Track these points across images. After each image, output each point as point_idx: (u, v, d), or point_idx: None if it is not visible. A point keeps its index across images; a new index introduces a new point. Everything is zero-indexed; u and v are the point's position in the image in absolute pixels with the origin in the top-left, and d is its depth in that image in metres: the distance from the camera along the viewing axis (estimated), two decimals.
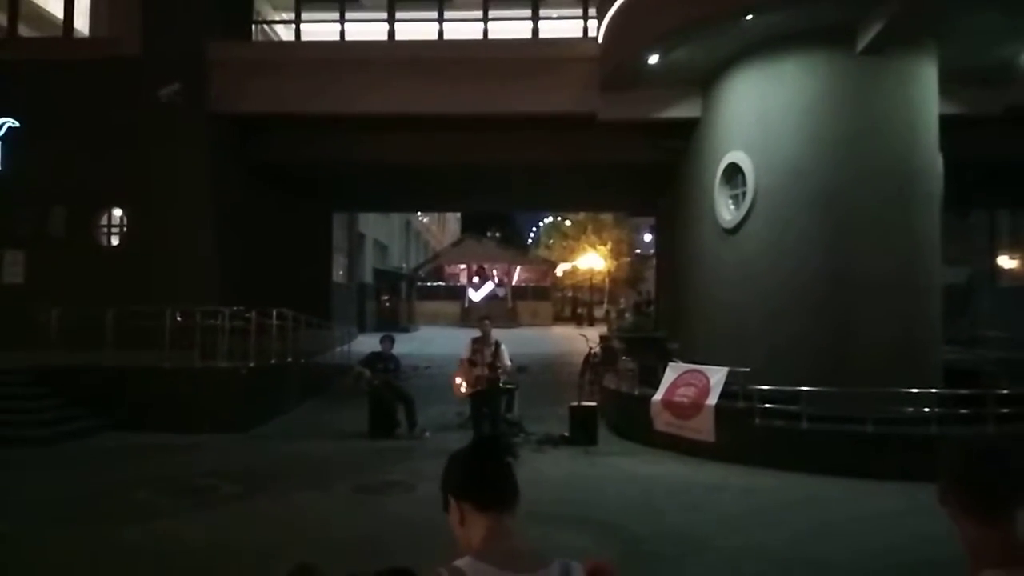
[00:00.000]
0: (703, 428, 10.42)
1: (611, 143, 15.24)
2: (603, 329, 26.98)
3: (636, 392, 12.15)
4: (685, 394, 10.89)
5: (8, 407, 11.47)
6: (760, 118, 11.83)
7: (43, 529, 6.91)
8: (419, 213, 46.24)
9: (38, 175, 14.43)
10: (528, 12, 15.81)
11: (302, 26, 16.81)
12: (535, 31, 15.82)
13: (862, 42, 10.72)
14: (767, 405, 10.01)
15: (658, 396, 11.23)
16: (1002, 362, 12.98)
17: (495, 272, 45.99)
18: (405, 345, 16.94)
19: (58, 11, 15.47)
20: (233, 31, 15.77)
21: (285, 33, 18.03)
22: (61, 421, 11.55)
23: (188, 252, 14.40)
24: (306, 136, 15.82)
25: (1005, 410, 9.43)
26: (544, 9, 16.04)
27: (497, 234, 60.21)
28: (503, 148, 15.89)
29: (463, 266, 46.12)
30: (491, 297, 43.95)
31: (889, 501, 8.08)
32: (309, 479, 9.11)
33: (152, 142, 14.38)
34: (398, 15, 16.08)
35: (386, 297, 34.77)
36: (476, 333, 10.97)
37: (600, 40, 14.03)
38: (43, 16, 16.43)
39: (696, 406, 10.58)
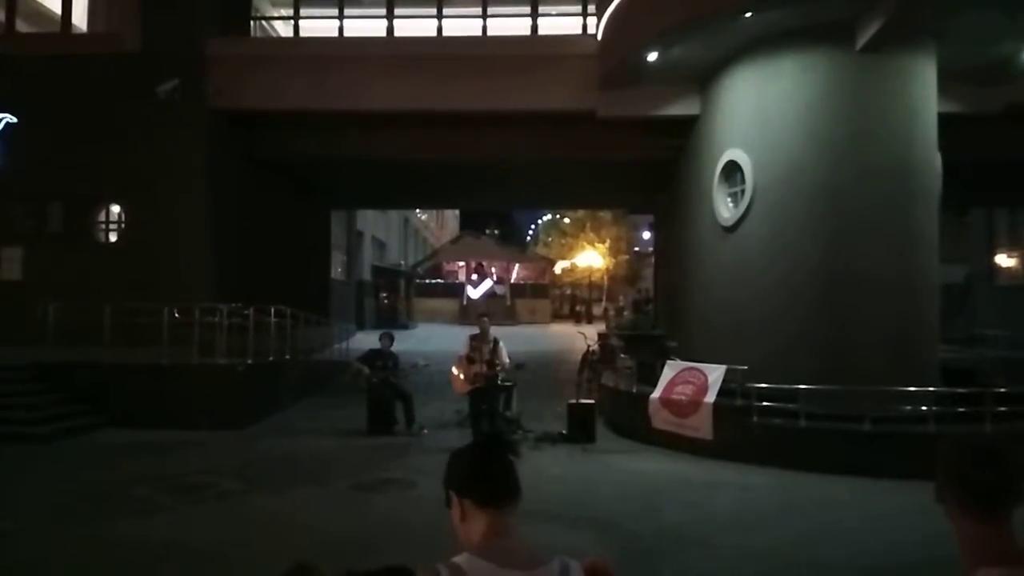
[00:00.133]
0: (701, 426, 10.43)
1: (610, 140, 15.24)
2: (602, 327, 27.00)
3: (634, 390, 12.16)
4: (683, 392, 10.90)
5: (6, 404, 11.45)
6: (759, 116, 11.83)
7: (42, 526, 6.91)
8: (418, 210, 46.20)
9: (36, 171, 14.40)
10: (527, 9, 15.81)
11: (301, 22, 16.81)
12: (534, 28, 15.82)
13: (861, 40, 10.71)
14: (765, 403, 10.03)
15: (656, 394, 11.24)
16: (1000, 361, 13.01)
17: (494, 270, 46.00)
18: (403, 342, 16.94)
19: (56, 7, 15.43)
20: (232, 27, 15.75)
21: (284, 29, 18.02)
22: (59, 418, 11.54)
23: (186, 249, 14.38)
24: (305, 132, 15.81)
25: (1002, 409, 9.44)
26: (543, 6, 16.04)
27: (496, 231, 60.30)
28: (502, 145, 15.89)
29: (462, 263, 46.12)
30: (490, 295, 43.95)
31: (886, 499, 8.10)
32: (307, 476, 9.11)
33: (150, 138, 14.36)
34: (397, 11, 16.08)
35: (384, 294, 34.76)
36: (475, 330, 10.97)
37: (599, 37, 14.02)
38: (41, 12, 16.39)
39: (694, 404, 10.59)
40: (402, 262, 41.03)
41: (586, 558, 2.05)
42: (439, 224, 57.50)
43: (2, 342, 12.57)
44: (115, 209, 14.93)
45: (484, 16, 15.80)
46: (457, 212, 60.81)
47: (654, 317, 20.88)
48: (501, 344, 10.74)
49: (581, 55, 14.26)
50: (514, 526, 1.81)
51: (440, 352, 15.84)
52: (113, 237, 14.93)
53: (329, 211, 23.80)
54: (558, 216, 52.52)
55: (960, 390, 9.92)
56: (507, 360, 10.77)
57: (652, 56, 12.57)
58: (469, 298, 42.89)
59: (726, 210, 12.46)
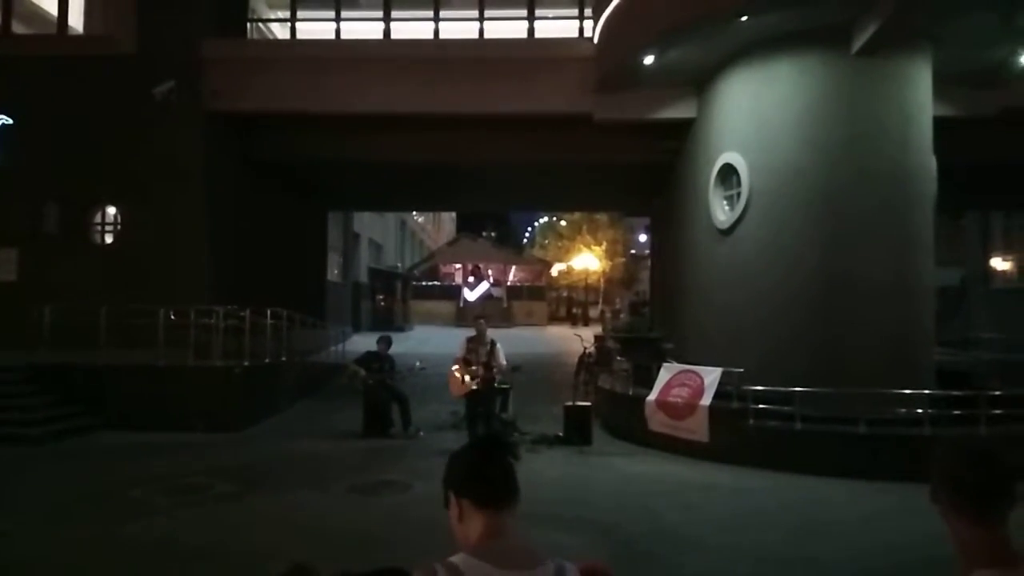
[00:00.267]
0: (697, 429, 10.44)
1: (606, 143, 15.25)
2: (598, 329, 27.01)
3: (630, 392, 12.17)
4: (679, 395, 10.91)
5: (1, 405, 11.41)
6: (755, 119, 11.86)
7: (38, 528, 6.89)
8: (414, 212, 46.19)
9: (32, 172, 14.40)
10: (524, 12, 15.82)
11: (298, 24, 16.80)
12: (531, 31, 15.84)
13: (857, 43, 10.75)
14: (761, 406, 10.04)
15: (652, 396, 11.25)
16: (995, 363, 13.06)
17: (490, 272, 46.01)
18: (400, 344, 16.93)
19: (52, 8, 15.41)
20: (229, 29, 15.75)
21: (281, 31, 18.02)
22: (54, 420, 11.51)
23: (182, 250, 14.37)
24: (301, 135, 15.80)
25: (997, 411, 9.47)
26: (540, 9, 16.06)
27: (492, 234, 60.30)
28: (499, 148, 15.90)
29: (458, 266, 46.15)
30: (486, 297, 43.93)
31: (882, 501, 8.11)
32: (303, 478, 9.09)
33: (146, 140, 14.35)
34: (394, 14, 16.08)
35: (381, 296, 34.73)
36: (471, 332, 10.96)
37: (596, 40, 14.05)
38: (37, 13, 16.36)
39: (690, 407, 10.60)
40: (399, 264, 41.01)
41: (584, 561, 2.05)
42: (436, 226, 57.48)
43: None
44: (111, 210, 14.91)
45: (481, 19, 15.82)
46: (454, 214, 60.78)
47: (650, 319, 20.91)
48: (498, 346, 10.72)
49: (578, 58, 14.29)
50: (512, 527, 1.82)
51: (436, 354, 15.85)
52: (109, 238, 14.90)
53: (326, 213, 23.78)
54: (555, 218, 52.59)
55: (955, 393, 9.94)
56: (504, 362, 10.75)
57: (648, 59, 12.60)
58: (466, 300, 42.87)
59: (722, 213, 12.48)
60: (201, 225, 14.52)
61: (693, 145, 13.99)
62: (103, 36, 14.82)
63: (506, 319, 38.33)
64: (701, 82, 13.31)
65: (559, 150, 15.78)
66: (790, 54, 11.40)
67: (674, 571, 6.14)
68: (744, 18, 11.04)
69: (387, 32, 16.00)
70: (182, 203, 14.47)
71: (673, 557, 6.40)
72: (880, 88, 10.99)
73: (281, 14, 17.67)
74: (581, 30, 15.49)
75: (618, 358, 14.84)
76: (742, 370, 10.44)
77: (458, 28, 16.17)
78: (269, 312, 13.72)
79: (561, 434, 11.40)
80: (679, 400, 10.84)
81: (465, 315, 36.98)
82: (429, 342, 25.81)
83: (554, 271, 50.70)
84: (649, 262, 28.72)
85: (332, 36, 16.14)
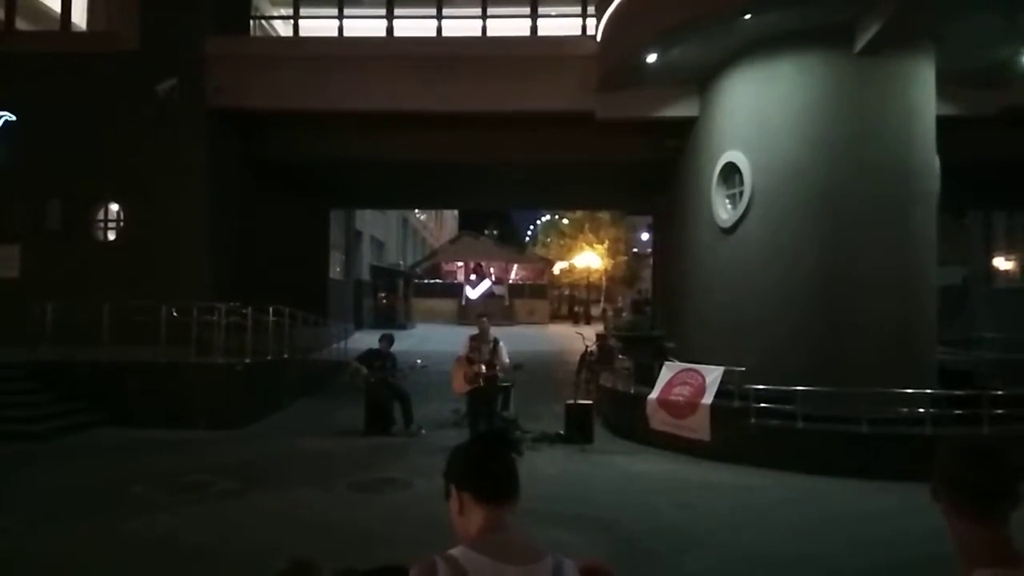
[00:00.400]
0: (699, 427, 10.44)
1: (609, 141, 15.25)
2: (600, 328, 27.01)
3: (632, 391, 12.17)
4: (681, 393, 10.91)
5: (3, 402, 11.43)
6: (757, 118, 11.85)
7: (40, 524, 6.90)
8: (416, 210, 46.20)
9: (35, 169, 14.41)
10: (527, 10, 15.82)
11: (300, 22, 16.81)
12: (534, 29, 15.82)
13: (860, 42, 10.73)
14: (762, 404, 10.03)
15: (654, 395, 11.25)
16: (997, 363, 13.04)
17: (492, 270, 46.02)
18: (402, 342, 16.93)
19: (55, 5, 15.43)
20: (231, 26, 15.75)
21: (283, 29, 18.02)
22: (56, 416, 11.53)
23: (185, 247, 14.38)
24: (304, 132, 15.81)
25: (999, 411, 9.46)
26: (543, 7, 16.04)
27: (495, 232, 60.31)
28: (501, 146, 15.90)
29: (460, 264, 46.16)
30: (488, 295, 43.95)
31: (883, 500, 8.11)
32: (305, 476, 9.10)
33: (149, 137, 14.36)
34: (396, 12, 16.08)
35: (383, 294, 34.74)
36: (474, 330, 10.97)
37: (598, 38, 14.04)
38: (41, 10, 16.38)
39: (692, 405, 10.60)
40: (401, 262, 41.03)
41: (585, 558, 2.05)
42: (438, 224, 57.51)
43: (0, 340, 12.55)
44: (113, 207, 14.92)
45: (484, 17, 15.81)
46: (456, 212, 60.82)
47: (652, 318, 20.91)
48: (501, 344, 10.73)
49: (580, 56, 14.28)
50: (512, 522, 1.83)
51: (438, 352, 15.84)
52: (112, 235, 14.92)
53: (328, 211, 23.78)
54: (557, 217, 52.57)
55: (957, 392, 9.94)
56: (507, 360, 10.76)
57: (651, 57, 12.59)
58: (468, 298, 42.89)
59: (724, 211, 12.47)
60: (203, 222, 14.53)
61: (695, 143, 13.98)
62: (106, 33, 14.84)
63: (508, 317, 38.35)
64: (703, 80, 13.30)
65: (561, 148, 15.77)
66: (793, 53, 11.39)
67: (675, 569, 6.15)
68: (747, 17, 11.02)
69: (390, 30, 16.00)
70: (184, 200, 14.48)
71: (674, 555, 6.41)
72: (883, 87, 10.97)
73: (284, 11, 17.67)
74: (584, 28, 15.48)
75: (620, 356, 14.84)
76: (744, 369, 10.44)
77: (461, 26, 16.17)
78: (271, 309, 13.72)
79: (562, 432, 11.40)
80: (681, 399, 10.84)
81: (467, 313, 37.01)
82: (431, 340, 25.82)
83: (556, 269, 50.70)
84: (651, 260, 28.72)
85: (335, 34, 16.15)
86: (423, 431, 11.90)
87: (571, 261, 48.70)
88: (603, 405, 12.91)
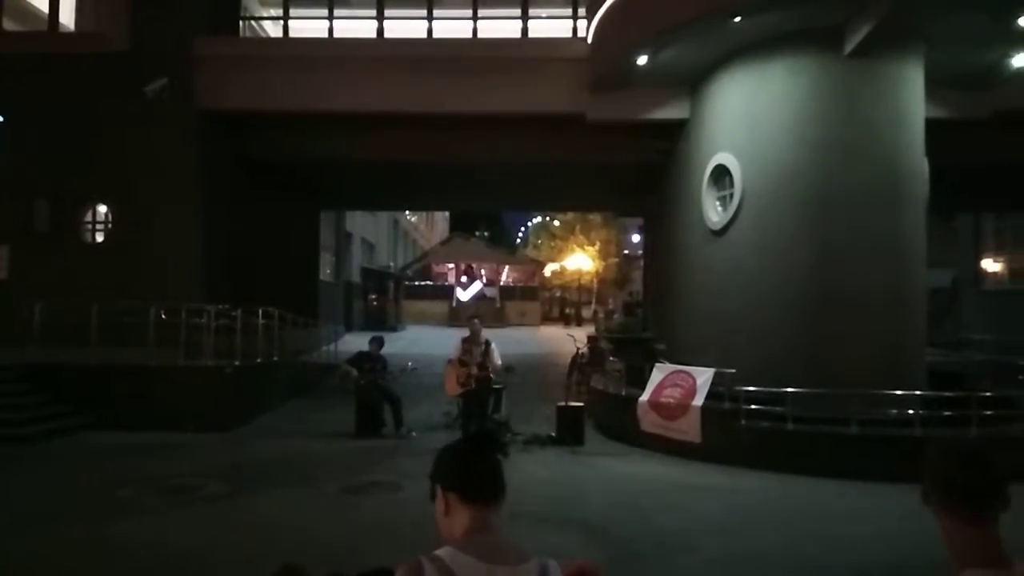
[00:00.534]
0: (689, 429, 10.45)
1: (600, 143, 15.25)
2: (591, 329, 27.04)
3: (623, 393, 12.17)
4: (672, 395, 10.92)
5: None
6: (748, 120, 11.88)
7: (27, 527, 6.84)
8: (407, 212, 46.15)
9: (23, 169, 14.33)
10: (518, 11, 15.81)
11: (290, 23, 16.75)
12: (524, 31, 15.81)
13: (850, 45, 10.78)
14: (753, 406, 10.06)
15: (645, 397, 11.25)
16: (986, 364, 13.11)
17: (483, 272, 46.02)
18: (392, 344, 16.90)
19: (44, 5, 15.33)
20: (221, 27, 15.68)
21: (273, 29, 17.95)
22: (44, 419, 11.44)
23: (174, 249, 14.31)
24: (294, 133, 15.75)
25: (988, 412, 9.52)
26: (534, 9, 16.03)
27: (486, 233, 60.30)
28: (492, 147, 15.89)
29: (451, 265, 46.14)
30: (479, 297, 43.96)
31: (874, 502, 8.14)
32: (295, 479, 9.07)
33: (138, 138, 14.29)
34: (387, 13, 16.05)
35: (373, 296, 34.67)
36: (464, 333, 10.96)
37: (590, 40, 14.04)
38: (29, 10, 16.28)
39: (682, 407, 10.61)
40: (391, 264, 40.95)
41: (574, 561, 2.04)
42: (428, 226, 57.46)
43: None
44: (102, 208, 14.84)
45: (474, 18, 15.80)
46: (447, 214, 60.77)
47: (643, 320, 20.93)
48: (493, 346, 10.74)
49: (571, 58, 14.28)
50: (497, 523, 1.83)
51: (429, 355, 15.84)
52: (100, 237, 14.83)
53: (318, 212, 23.72)
54: (548, 218, 52.63)
55: (947, 394, 9.99)
56: (499, 362, 10.77)
57: (642, 59, 12.61)
58: (458, 300, 42.88)
59: (715, 214, 12.50)
60: (192, 224, 14.46)
61: (686, 146, 14.01)
62: (95, 33, 14.75)
63: (499, 319, 38.33)
64: (695, 83, 13.33)
65: (552, 150, 15.76)
66: (783, 55, 11.43)
67: (665, 571, 6.14)
68: (738, 19, 11.05)
69: (380, 31, 15.96)
70: (173, 201, 14.40)
71: (665, 557, 6.40)
72: (873, 89, 11.02)
73: (273, 12, 17.61)
74: (575, 30, 15.48)
75: (611, 358, 14.85)
76: (734, 370, 10.45)
77: (452, 27, 16.15)
78: (260, 311, 13.67)
79: (554, 434, 11.39)
80: (671, 401, 10.84)
81: (458, 315, 37.00)
82: (421, 342, 25.79)
83: (547, 271, 50.75)
84: (642, 262, 28.75)
85: (325, 35, 16.10)
86: (413, 433, 11.87)
87: (562, 263, 48.80)
88: (594, 407, 12.91)
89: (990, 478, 1.66)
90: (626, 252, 52.79)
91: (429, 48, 15.26)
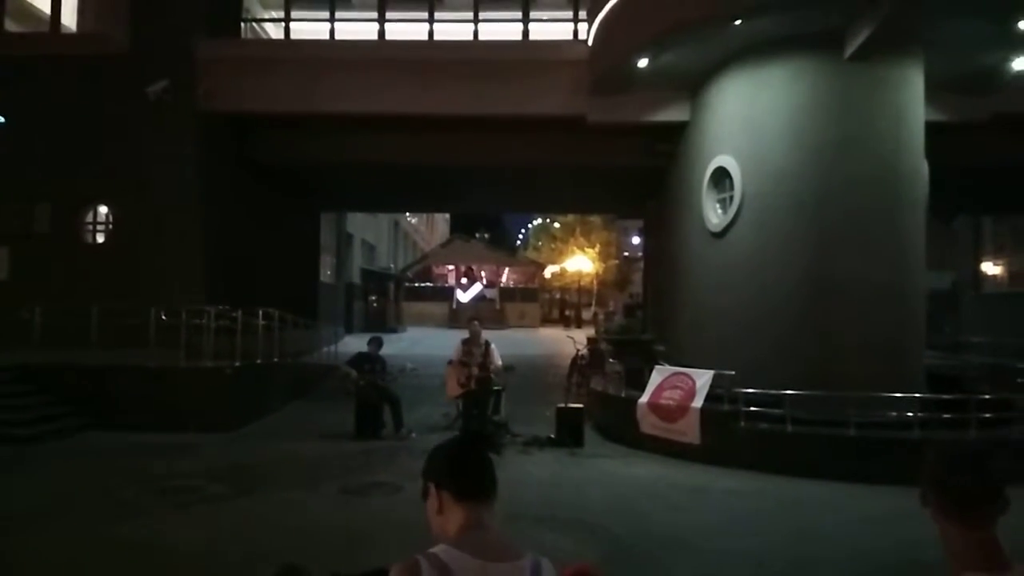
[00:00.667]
0: (688, 431, 10.45)
1: (600, 146, 15.29)
2: (591, 331, 27.04)
3: (622, 394, 12.18)
4: (671, 397, 10.92)
5: None
6: (748, 123, 11.90)
7: (28, 528, 6.85)
8: (408, 214, 46.18)
9: (24, 171, 14.34)
10: (519, 14, 15.83)
11: (292, 25, 16.77)
12: (525, 33, 15.84)
13: (850, 48, 10.80)
14: (752, 408, 10.06)
15: (644, 399, 11.26)
16: (985, 367, 13.12)
17: (483, 273, 46.05)
18: (392, 346, 16.91)
19: (45, 6, 15.36)
20: (222, 29, 15.70)
21: (275, 32, 17.97)
22: (45, 420, 11.43)
23: (174, 250, 14.32)
24: (295, 135, 15.78)
25: (987, 415, 9.52)
26: (534, 11, 16.07)
27: (486, 235, 60.34)
28: (493, 149, 15.91)
29: (451, 267, 46.19)
30: (479, 298, 43.97)
31: (872, 503, 8.14)
32: (295, 480, 9.07)
33: (139, 140, 14.31)
34: (388, 15, 16.07)
35: (374, 297, 34.67)
36: (464, 334, 10.98)
37: (590, 43, 14.07)
38: (30, 12, 16.31)
39: (682, 409, 10.61)
40: (392, 265, 40.96)
41: (574, 563, 2.06)
42: (429, 227, 57.47)
43: None
44: (103, 210, 14.85)
45: (476, 21, 15.83)
46: (447, 216, 60.78)
47: (643, 322, 20.94)
48: (492, 346, 10.79)
49: (572, 61, 14.31)
50: (490, 520, 1.85)
51: (429, 356, 15.84)
52: (101, 238, 14.85)
53: (319, 214, 23.75)
54: (548, 220, 52.64)
55: (945, 396, 10.00)
56: (499, 363, 10.79)
57: (642, 62, 12.63)
58: (459, 302, 42.89)
59: (715, 216, 12.52)
60: (193, 225, 14.48)
61: (686, 148, 14.03)
62: (96, 34, 14.79)
63: (499, 321, 38.34)
64: (695, 85, 13.35)
65: (553, 152, 15.80)
66: (783, 58, 11.45)
67: (665, 573, 6.15)
68: (738, 22, 11.08)
69: (381, 33, 15.98)
70: (174, 203, 14.42)
71: (664, 559, 6.41)
72: (872, 93, 11.04)
73: (275, 14, 17.64)
74: (575, 33, 15.51)
75: (610, 360, 14.85)
76: (733, 372, 10.46)
77: (453, 30, 16.17)
78: (261, 312, 13.67)
79: (553, 436, 11.38)
80: (671, 402, 10.85)
81: (458, 317, 37.00)
82: (421, 343, 25.79)
83: (547, 273, 50.76)
84: (642, 264, 28.77)
85: (326, 37, 16.12)
86: (413, 435, 11.86)
87: (562, 265, 48.80)
88: (594, 409, 12.91)
89: (985, 481, 1.67)
90: (626, 254, 52.83)
91: (430, 50, 15.29)
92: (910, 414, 9.69)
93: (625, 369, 12.93)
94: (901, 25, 10.43)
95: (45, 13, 15.39)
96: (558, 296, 51.71)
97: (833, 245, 10.94)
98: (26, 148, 14.32)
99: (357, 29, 16.45)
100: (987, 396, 10.00)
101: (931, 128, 11.52)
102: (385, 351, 12.87)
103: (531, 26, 15.90)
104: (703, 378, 10.70)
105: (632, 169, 16.22)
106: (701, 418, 10.34)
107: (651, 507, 8.08)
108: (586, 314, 44.37)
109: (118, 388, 12.18)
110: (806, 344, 10.89)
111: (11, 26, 15.79)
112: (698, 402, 10.47)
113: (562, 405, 11.91)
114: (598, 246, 47.21)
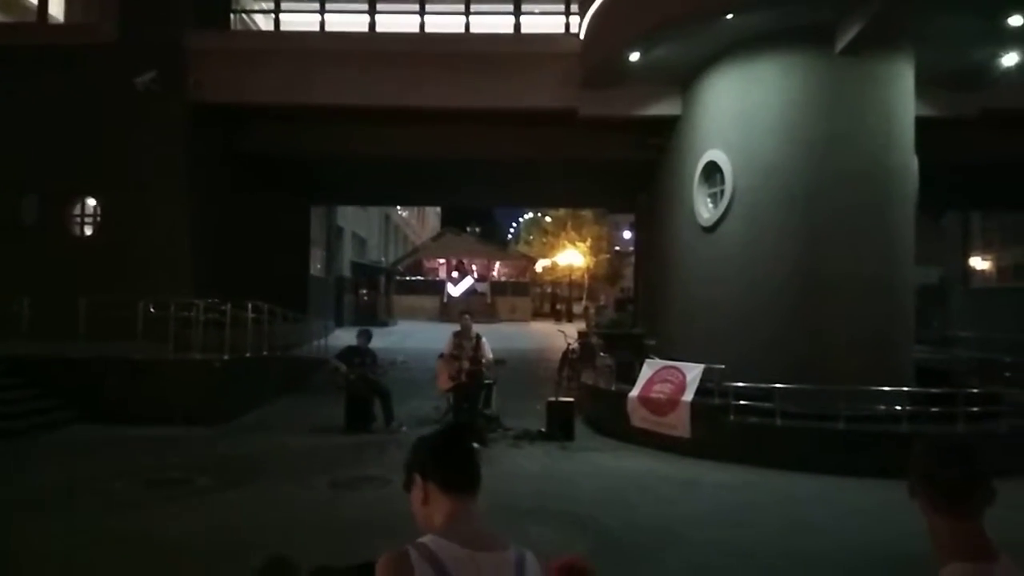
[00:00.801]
0: (679, 424, 10.49)
1: (592, 139, 15.28)
2: (582, 325, 27.08)
3: (613, 388, 12.21)
4: (661, 390, 10.95)
5: None
6: (739, 117, 11.91)
7: (17, 521, 6.81)
8: (398, 207, 46.06)
9: (10, 163, 14.21)
10: (510, 7, 15.79)
11: (282, 16, 16.68)
12: (517, 26, 15.80)
13: (840, 43, 10.82)
14: (742, 402, 10.10)
15: (635, 392, 11.28)
16: (973, 361, 13.20)
17: (474, 267, 46.01)
18: (383, 339, 16.89)
19: None
20: (212, 20, 15.60)
21: (265, 23, 17.88)
22: (33, 412, 11.35)
23: (163, 243, 14.25)
24: (284, 127, 15.70)
25: (975, 409, 9.59)
26: (526, 4, 16.02)
27: (477, 229, 60.27)
28: (484, 143, 15.88)
29: (442, 261, 46.12)
30: (470, 292, 43.95)
31: (861, 496, 8.19)
32: (284, 473, 9.05)
33: (128, 131, 14.21)
34: (379, 7, 16.01)
35: (364, 291, 34.62)
36: (456, 328, 10.97)
37: (582, 36, 14.05)
38: (16, 1, 16.15)
39: (672, 402, 10.64)
40: (382, 259, 40.88)
41: (564, 556, 2.06)
42: (420, 221, 57.37)
43: None
44: (91, 202, 14.75)
45: (467, 13, 15.78)
46: (438, 209, 60.66)
47: (633, 316, 20.98)
48: (484, 340, 10.79)
49: (564, 54, 14.29)
50: (476, 511, 1.87)
51: (419, 350, 15.82)
52: (89, 230, 14.75)
53: (309, 207, 23.67)
54: (539, 214, 52.62)
55: (934, 390, 10.07)
56: (490, 355, 10.80)
57: (634, 56, 12.62)
58: (450, 295, 42.87)
59: (706, 210, 12.53)
60: (182, 217, 14.40)
61: (678, 142, 14.03)
62: (84, 24, 14.68)
63: (490, 315, 38.35)
64: (686, 80, 13.35)
65: (544, 145, 15.78)
66: (774, 53, 11.46)
67: (655, 566, 6.17)
68: (730, 16, 11.07)
69: (372, 25, 15.91)
70: (163, 195, 14.34)
71: (654, 552, 6.43)
72: (863, 88, 11.07)
73: (265, 5, 17.53)
74: (567, 26, 15.49)
75: (601, 354, 14.87)
76: (724, 366, 10.48)
77: (444, 22, 16.12)
78: (250, 305, 13.61)
79: (544, 430, 11.40)
80: (661, 396, 10.88)
81: (449, 310, 36.98)
82: (412, 337, 25.77)
83: (538, 267, 50.78)
84: (633, 258, 28.80)
85: (316, 28, 16.04)
86: (404, 428, 11.84)
87: (553, 259, 48.80)
88: (584, 403, 12.93)
89: (971, 472, 1.68)
90: (617, 248, 52.84)
91: (421, 43, 15.24)
92: (899, 408, 9.75)
93: (616, 363, 12.96)
94: (891, 20, 10.44)
95: (32, 3, 15.24)
96: (549, 290, 51.77)
97: (823, 240, 10.97)
98: (13, 139, 14.19)
99: (348, 21, 16.37)
100: (975, 390, 10.08)
101: (921, 123, 11.55)
102: (376, 345, 12.83)
103: (523, 19, 15.86)
104: (693, 372, 10.73)
105: (623, 163, 16.23)
106: (691, 412, 10.38)
107: (641, 500, 8.11)
108: (577, 308, 44.42)
109: (107, 381, 12.11)
110: (796, 338, 10.93)
111: None
112: (688, 396, 10.50)
113: (553, 399, 11.92)
114: (589, 240, 47.25)
